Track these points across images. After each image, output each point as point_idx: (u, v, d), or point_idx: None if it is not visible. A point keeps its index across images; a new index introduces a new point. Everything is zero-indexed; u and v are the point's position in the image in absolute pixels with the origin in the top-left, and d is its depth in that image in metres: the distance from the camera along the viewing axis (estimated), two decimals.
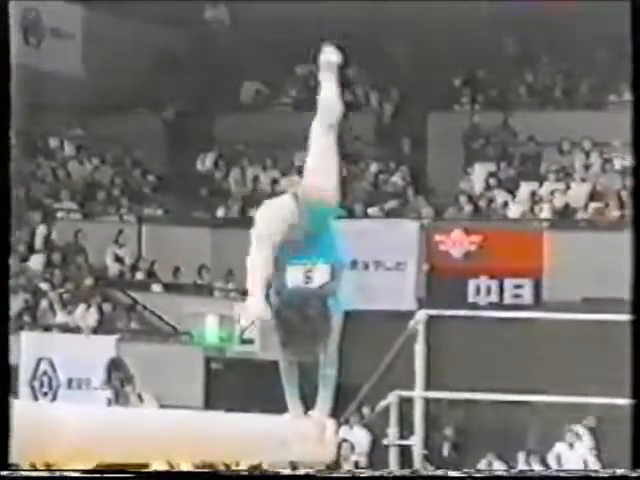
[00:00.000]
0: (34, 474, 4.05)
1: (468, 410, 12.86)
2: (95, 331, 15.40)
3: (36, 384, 14.51)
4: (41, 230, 17.13)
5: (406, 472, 4.54)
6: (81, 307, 15.69)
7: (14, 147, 17.62)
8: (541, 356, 13.41)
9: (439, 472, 4.49)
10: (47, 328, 15.42)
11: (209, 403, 14.86)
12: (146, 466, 4.41)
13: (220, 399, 14.29)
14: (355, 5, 18.32)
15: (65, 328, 15.53)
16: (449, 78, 19.14)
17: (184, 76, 19.43)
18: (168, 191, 18.71)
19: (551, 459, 13.06)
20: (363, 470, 4.61)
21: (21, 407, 4.32)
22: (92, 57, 19.61)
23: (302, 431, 5.04)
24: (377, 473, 4.50)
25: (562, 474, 4.49)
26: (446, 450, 13.72)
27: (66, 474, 4.09)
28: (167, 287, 16.97)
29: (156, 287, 16.99)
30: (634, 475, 4.21)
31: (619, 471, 4.40)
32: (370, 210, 17.47)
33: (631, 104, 3.75)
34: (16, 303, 15.73)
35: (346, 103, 20.48)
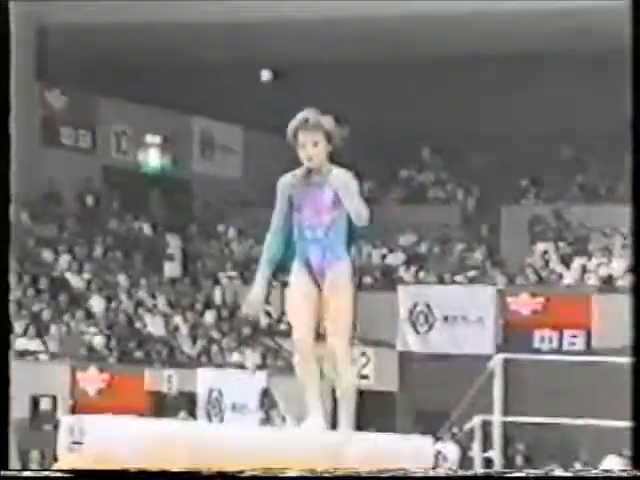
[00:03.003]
0: (34, 474, 3.59)
1: (536, 430, 12.48)
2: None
3: (209, 408, 14.48)
4: (213, 293, 17.23)
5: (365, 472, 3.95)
6: (248, 351, 15.69)
7: (196, 235, 17.61)
8: (591, 390, 13.00)
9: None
10: (218, 365, 15.41)
11: (335, 423, 14.64)
12: (286, 471, 4.24)
13: None
14: (444, 120, 18.31)
15: (231, 365, 15.52)
16: (517, 179, 18.96)
17: None
18: None
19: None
20: (357, 470, 4.14)
21: (197, 426, 4.20)
22: (249, 165, 19.79)
23: (407, 445, 4.83)
24: (363, 473, 4.00)
25: (565, 474, 3.92)
26: (519, 461, 13.32)
27: (63, 475, 3.64)
28: None
29: None
30: (634, 475, 3.67)
31: (619, 471, 3.80)
32: (457, 278, 17.27)
33: (631, 104, 3.32)
34: (196, 347, 15.77)
35: (438, 198, 20.24)
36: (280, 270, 4.52)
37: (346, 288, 4.34)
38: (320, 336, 4.46)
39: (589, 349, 15.12)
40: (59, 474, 3.58)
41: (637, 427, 3.51)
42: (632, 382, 3.51)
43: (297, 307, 4.41)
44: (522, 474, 3.91)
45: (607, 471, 3.77)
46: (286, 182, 4.39)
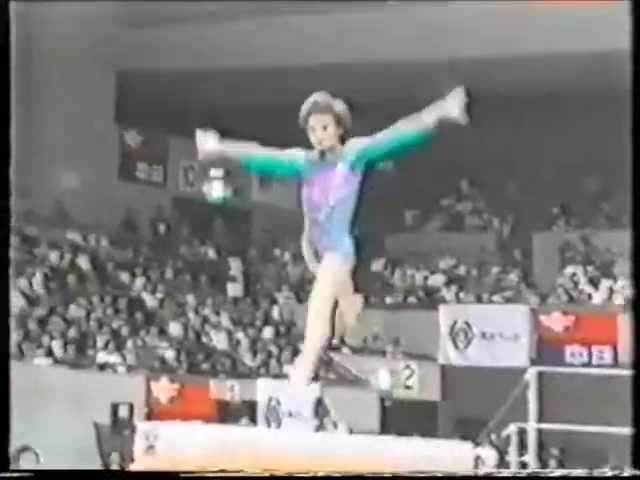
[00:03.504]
0: (34, 474, 3.37)
1: (567, 436, 12.31)
2: None
3: (268, 415, 14.47)
4: (271, 311, 17.25)
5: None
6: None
7: (255, 259, 17.50)
8: (618, 400, 12.80)
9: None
10: (276, 376, 15.41)
11: (383, 429, 14.61)
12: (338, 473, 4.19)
13: (391, 427, 14.04)
14: (481, 155, 18.27)
15: (288, 376, 15.49)
16: (548, 208, 18.81)
17: (364, 207, 19.46)
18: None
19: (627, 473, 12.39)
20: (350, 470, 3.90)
21: (261, 432, 4.20)
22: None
23: (449, 449, 4.79)
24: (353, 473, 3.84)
25: (566, 474, 3.71)
26: (552, 465, 13.13)
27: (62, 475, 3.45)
28: (353, 350, 16.83)
29: (345, 349, 16.86)
30: (634, 475, 3.45)
31: (619, 471, 3.60)
32: (494, 298, 17.14)
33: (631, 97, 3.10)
34: (256, 360, 15.79)
35: (475, 225, 20.04)
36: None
37: (325, 279, 4.04)
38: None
39: (616, 363, 14.91)
40: (62, 474, 3.42)
41: (637, 431, 3.39)
42: (632, 390, 3.42)
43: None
44: (526, 474, 3.82)
45: (608, 472, 3.58)
46: (299, 154, 4.05)
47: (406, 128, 3.99)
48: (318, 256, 4.14)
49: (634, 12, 3.14)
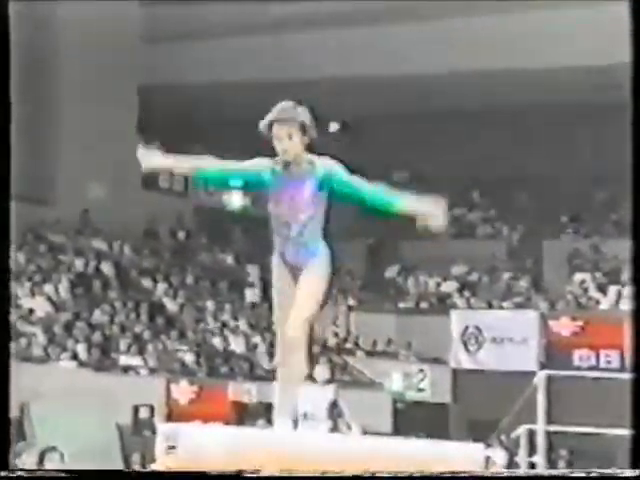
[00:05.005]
0: (34, 474, 3.30)
1: (576, 438, 12.27)
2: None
3: None
4: None
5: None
6: (318, 366, 15.64)
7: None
8: (624, 402, 12.75)
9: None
10: None
11: (396, 431, 14.59)
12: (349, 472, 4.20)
13: (403, 428, 14.02)
14: (492, 166, 18.25)
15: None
16: (557, 217, 18.77)
17: (370, 220, 19.50)
18: (368, 290, 18.66)
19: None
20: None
21: (278, 433, 4.22)
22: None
23: (461, 450, 4.78)
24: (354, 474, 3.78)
25: (565, 474, 3.63)
26: (561, 465, 13.07)
27: (62, 475, 3.34)
28: (367, 353, 16.83)
29: (359, 353, 16.85)
30: (634, 475, 3.37)
31: (619, 471, 3.51)
32: (504, 303, 17.11)
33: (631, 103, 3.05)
34: (273, 363, 15.78)
35: (487, 234, 20.06)
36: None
37: (316, 280, 3.85)
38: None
39: (623, 367, 14.85)
40: (61, 474, 3.36)
41: (637, 431, 3.35)
42: (632, 392, 3.40)
43: (277, 303, 3.96)
44: (524, 474, 3.78)
45: (608, 472, 3.51)
46: (265, 164, 3.82)
47: (384, 195, 3.82)
48: (294, 272, 3.89)
49: (634, 14, 3.11)
